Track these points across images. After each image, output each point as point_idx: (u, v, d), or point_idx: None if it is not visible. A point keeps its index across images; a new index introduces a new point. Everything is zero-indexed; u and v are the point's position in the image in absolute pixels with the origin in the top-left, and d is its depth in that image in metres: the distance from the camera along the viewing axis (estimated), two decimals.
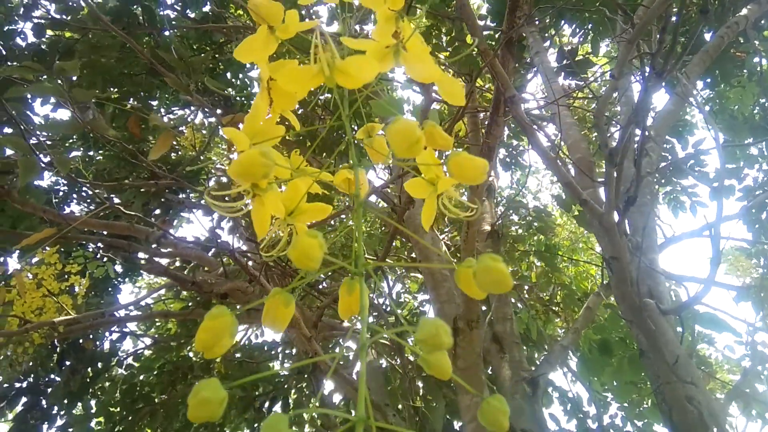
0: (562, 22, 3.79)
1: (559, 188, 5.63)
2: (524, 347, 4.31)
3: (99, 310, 2.98)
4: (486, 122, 2.47)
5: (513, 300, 4.13)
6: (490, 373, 3.35)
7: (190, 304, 4.48)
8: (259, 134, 0.48)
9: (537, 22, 3.67)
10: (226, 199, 0.49)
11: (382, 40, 0.47)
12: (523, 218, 4.52)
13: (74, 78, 3.45)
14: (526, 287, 4.57)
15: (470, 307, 2.20)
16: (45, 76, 1.94)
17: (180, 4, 4.07)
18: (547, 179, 6.57)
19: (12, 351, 2.50)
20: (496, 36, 3.50)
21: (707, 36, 3.46)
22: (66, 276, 3.02)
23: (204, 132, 4.34)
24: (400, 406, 3.05)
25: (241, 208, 0.44)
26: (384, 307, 4.18)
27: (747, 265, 5.16)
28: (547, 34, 4.00)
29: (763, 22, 3.63)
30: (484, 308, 3.78)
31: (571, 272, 4.89)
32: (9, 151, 2.60)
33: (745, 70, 3.72)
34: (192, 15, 4.20)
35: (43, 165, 1.64)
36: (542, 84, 3.65)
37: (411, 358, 4.42)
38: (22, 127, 1.61)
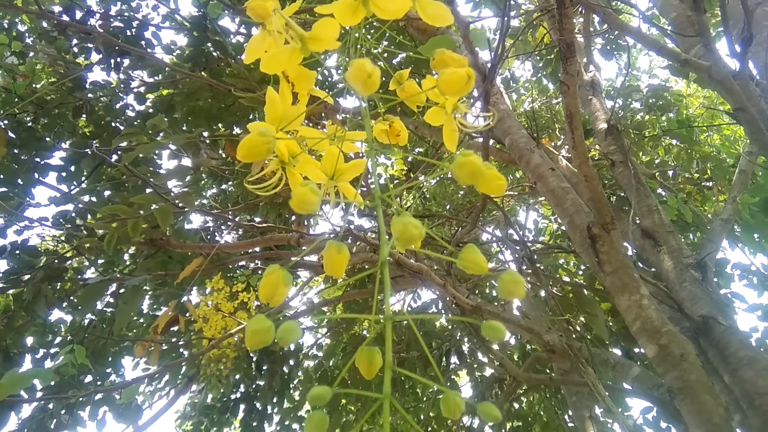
0: None
1: None
2: (688, 234, 4.01)
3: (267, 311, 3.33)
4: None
5: (659, 190, 3.85)
6: (653, 270, 3.19)
7: (348, 288, 4.83)
8: (283, 118, 0.54)
9: None
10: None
11: None
12: (645, 102, 4.16)
13: (183, 126, 3.85)
14: (670, 172, 4.23)
15: (600, 211, 2.12)
16: (161, 134, 2.22)
17: (244, 26, 4.31)
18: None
19: (215, 369, 2.91)
20: None
21: None
22: (236, 295, 3.43)
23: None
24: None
25: (274, 186, 0.52)
26: (525, 238, 4.14)
27: None
28: None
29: None
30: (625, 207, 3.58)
31: (715, 141, 4.40)
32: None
33: None
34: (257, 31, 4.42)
35: (179, 209, 1.89)
36: None
37: (566, 278, 4.33)
38: (152, 185, 1.87)
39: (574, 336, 2.58)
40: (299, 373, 4.78)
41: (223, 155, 3.88)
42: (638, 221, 3.16)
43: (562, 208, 2.33)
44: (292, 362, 4.69)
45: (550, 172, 2.37)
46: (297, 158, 0.52)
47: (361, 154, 0.64)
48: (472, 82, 0.45)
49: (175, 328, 3.69)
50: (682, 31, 2.14)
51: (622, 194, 3.69)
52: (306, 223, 4.91)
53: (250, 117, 4.50)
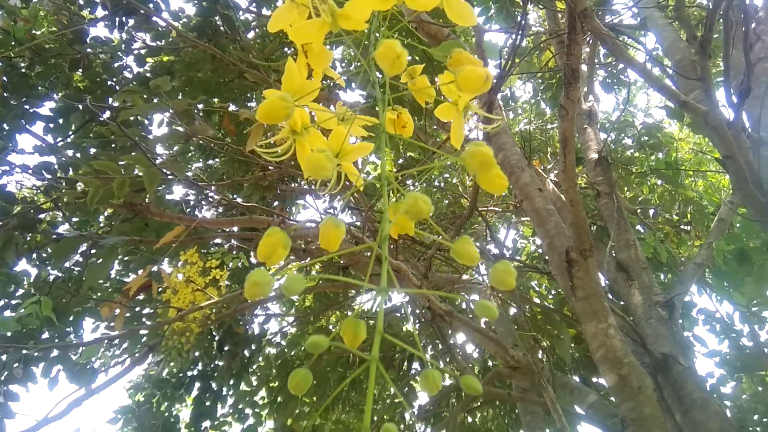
0: None
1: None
2: (659, 273, 4.10)
3: (238, 291, 3.31)
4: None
5: (637, 226, 3.93)
6: (622, 303, 3.25)
7: (320, 281, 4.82)
8: (298, 91, 0.55)
9: None
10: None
11: None
12: (637, 139, 4.24)
13: (180, 95, 3.81)
14: (651, 210, 4.32)
15: (581, 237, 2.16)
16: (151, 98, 2.19)
17: (255, 5, 4.28)
18: (658, 93, 6.04)
19: (177, 342, 2.88)
20: None
21: None
22: (208, 271, 3.39)
23: None
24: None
25: (283, 153, 0.52)
26: (503, 254, 4.19)
27: None
28: None
29: None
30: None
31: (699, 186, 4.50)
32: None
33: None
34: (268, 12, 4.40)
35: (165, 176, 1.88)
36: None
37: (537, 300, 4.39)
38: (141, 147, 1.85)
39: (538, 355, 2.62)
40: (260, 359, 4.75)
41: (215, 130, 3.85)
42: (614, 254, 3.22)
43: (545, 229, 2.36)
44: (254, 346, 4.67)
45: (538, 192, 2.40)
46: (308, 129, 0.53)
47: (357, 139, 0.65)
48: (490, 81, 0.47)
49: (141, 297, 3.64)
50: (684, 74, 2.19)
51: (603, 225, 3.76)
52: (289, 211, 4.90)
53: (248, 95, 4.48)
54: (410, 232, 0.53)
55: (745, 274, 2.37)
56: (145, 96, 2.16)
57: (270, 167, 3.68)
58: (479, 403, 3.79)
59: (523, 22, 1.59)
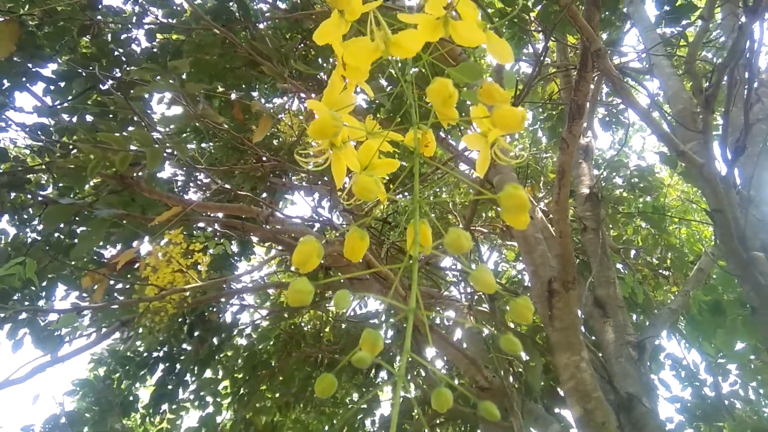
0: None
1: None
2: (632, 314, 4.17)
3: (221, 278, 3.30)
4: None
5: (618, 264, 4.00)
6: (593, 338, 3.30)
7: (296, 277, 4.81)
8: (336, 104, 0.57)
9: None
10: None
11: (434, 12, 0.54)
12: (628, 180, 4.32)
13: (184, 76, 3.79)
14: (633, 251, 4.39)
15: (565, 269, 2.20)
16: (159, 77, 2.19)
17: None
18: (653, 137, 6.16)
19: (150, 320, 2.86)
20: None
21: None
22: (190, 254, 3.37)
23: (301, 117, 4.57)
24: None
25: (321, 163, 0.54)
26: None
27: None
28: None
29: None
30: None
31: (682, 234, 4.60)
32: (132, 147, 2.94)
33: None
34: (283, 5, 4.42)
35: (165, 155, 1.87)
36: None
37: (512, 325, 4.43)
38: (145, 123, 1.85)
39: (510, 379, 2.65)
40: (228, 348, 4.72)
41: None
42: (593, 289, 3.27)
43: (531, 256, 2.40)
44: (224, 335, 4.63)
45: (530, 219, 2.44)
46: (346, 143, 0.55)
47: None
48: (524, 121, 0.49)
49: (117, 272, 3.60)
50: (684, 124, 2.25)
51: (585, 259, 3.82)
52: (278, 204, 4.88)
53: (252, 84, 4.47)
54: (427, 252, 0.55)
55: (717, 325, 2.43)
56: (167, 73, 2.15)
57: (264, 158, 3.68)
58: (442, 420, 3.81)
59: (542, 56, 1.62)
